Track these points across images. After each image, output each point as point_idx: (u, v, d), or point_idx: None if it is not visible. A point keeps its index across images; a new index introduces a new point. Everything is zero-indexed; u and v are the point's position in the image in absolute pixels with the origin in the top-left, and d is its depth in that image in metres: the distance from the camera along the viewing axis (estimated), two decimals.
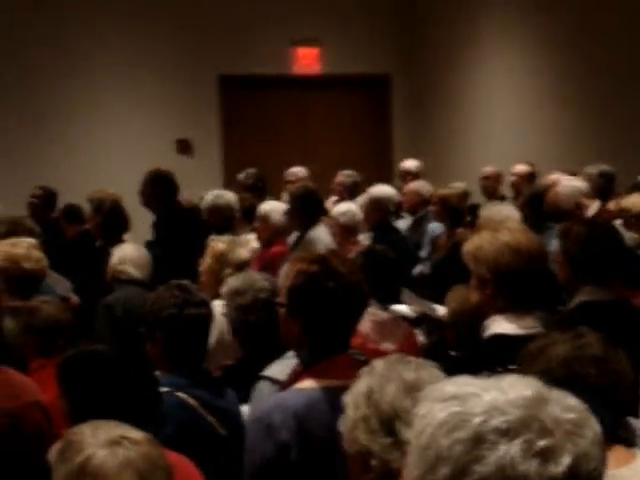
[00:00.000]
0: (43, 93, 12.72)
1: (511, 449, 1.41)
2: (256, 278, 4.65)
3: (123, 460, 2.00)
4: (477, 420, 1.44)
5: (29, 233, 6.01)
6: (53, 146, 12.80)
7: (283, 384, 3.24)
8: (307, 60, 13.72)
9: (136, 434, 2.08)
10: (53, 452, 2.06)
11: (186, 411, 3.60)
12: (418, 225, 9.11)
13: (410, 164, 10.94)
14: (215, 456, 3.50)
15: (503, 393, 1.48)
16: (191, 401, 3.63)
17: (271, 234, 7.69)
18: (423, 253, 8.57)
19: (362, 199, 8.72)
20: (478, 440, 1.43)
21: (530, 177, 9.98)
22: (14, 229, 6.13)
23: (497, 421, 1.43)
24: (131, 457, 2.01)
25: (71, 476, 1.98)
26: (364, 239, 7.88)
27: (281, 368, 3.53)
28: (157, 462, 2.05)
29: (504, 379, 1.52)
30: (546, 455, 1.42)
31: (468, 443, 1.43)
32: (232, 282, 4.64)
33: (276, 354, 3.81)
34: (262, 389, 3.64)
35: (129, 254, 6.26)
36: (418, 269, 8.15)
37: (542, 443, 1.42)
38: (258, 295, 4.50)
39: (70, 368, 2.95)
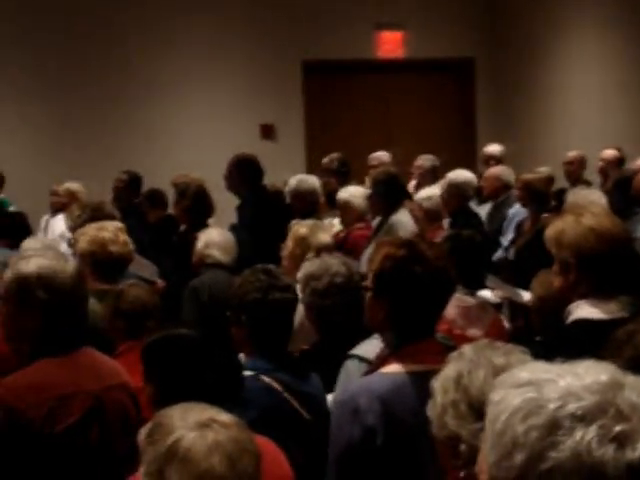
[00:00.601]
0: (129, 79, 12.84)
1: (587, 435, 1.40)
2: (332, 262, 4.63)
3: (212, 443, 2.00)
4: (552, 406, 1.43)
5: (109, 219, 6.06)
6: (138, 131, 12.92)
7: (371, 363, 3.24)
8: (391, 44, 13.66)
9: (225, 417, 2.08)
10: (142, 434, 2.06)
11: (271, 395, 3.61)
12: (498, 210, 9.01)
13: (493, 149, 10.83)
14: (299, 440, 3.51)
15: (578, 379, 1.47)
16: (276, 385, 3.64)
17: (353, 219, 7.70)
18: (505, 239, 8.48)
19: (441, 184, 8.67)
20: (553, 426, 1.42)
21: (618, 162, 9.83)
22: (94, 215, 6.18)
23: (573, 407, 1.42)
24: (220, 440, 2.01)
25: (160, 458, 1.99)
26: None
27: (370, 347, 3.52)
28: (246, 445, 2.05)
29: (579, 364, 1.51)
30: (622, 440, 1.40)
31: (543, 429, 1.42)
32: (308, 266, 4.63)
33: (352, 339, 3.82)
34: (350, 367, 3.65)
35: (215, 238, 6.31)
36: (498, 255, 8.08)
37: (618, 428, 1.40)
38: (334, 279, 4.49)
39: (154, 352, 2.96)
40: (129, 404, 3.51)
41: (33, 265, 3.46)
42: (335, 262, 4.64)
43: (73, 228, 6.29)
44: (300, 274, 4.59)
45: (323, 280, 4.47)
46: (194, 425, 2.02)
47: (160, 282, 6.80)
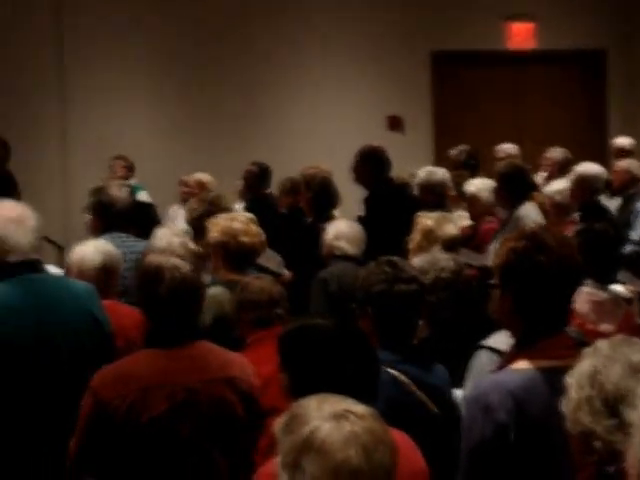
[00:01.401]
0: (260, 73, 12.95)
1: None
2: (439, 257, 4.60)
3: (348, 434, 2.00)
4: None
5: (225, 212, 6.10)
6: (267, 123, 13.02)
7: (502, 354, 3.20)
8: (521, 35, 13.47)
9: (360, 408, 2.08)
10: (278, 424, 2.07)
11: (397, 387, 3.60)
12: (627, 204, 8.82)
13: (623, 141, 10.60)
14: (427, 433, 3.48)
15: None
16: (402, 377, 3.62)
17: (480, 212, 7.62)
18: (635, 233, 8.29)
19: (570, 177, 8.52)
20: None
21: None
22: (211, 208, 6.23)
23: None
24: (356, 431, 2.01)
25: (296, 448, 2.00)
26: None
27: (502, 338, 3.49)
28: (382, 437, 2.04)
29: None
30: None
31: None
32: (416, 261, 4.61)
33: (462, 334, 3.78)
34: (481, 358, 3.62)
35: (344, 230, 6.31)
36: (627, 249, 7.89)
37: None
38: (440, 275, 4.46)
39: (290, 342, 2.96)
40: (232, 398, 3.51)
41: (154, 259, 3.55)
42: (443, 257, 4.61)
43: (189, 221, 6.36)
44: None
45: (430, 275, 4.44)
46: (330, 416, 2.02)
47: (287, 274, 6.84)
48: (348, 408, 2.05)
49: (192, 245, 5.39)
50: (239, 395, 3.51)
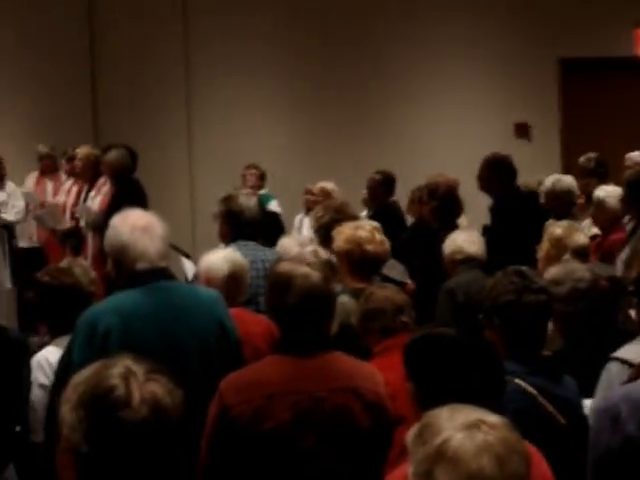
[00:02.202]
0: (383, 80, 12.96)
1: None
2: (576, 267, 4.52)
3: (481, 443, 1.98)
4: None
5: (351, 219, 6.10)
6: (392, 131, 13.02)
7: (632, 366, 3.14)
8: None
9: (494, 418, 2.06)
10: (410, 435, 2.06)
11: (525, 398, 3.56)
12: None
13: None
14: (554, 445, 3.42)
15: None
16: (530, 389, 3.57)
17: (608, 221, 7.48)
18: None
19: None
20: None
21: None
22: (337, 216, 6.24)
23: None
24: (489, 441, 1.99)
25: (428, 459, 1.99)
26: None
27: (633, 349, 3.42)
28: (515, 447, 2.02)
29: None
30: None
31: None
32: (552, 271, 4.53)
33: (599, 345, 3.71)
34: (612, 370, 3.56)
35: (466, 239, 6.27)
36: None
37: None
38: (577, 285, 4.38)
39: (416, 351, 2.95)
40: (357, 408, 3.48)
41: (285, 267, 3.57)
42: (580, 267, 4.53)
43: (315, 229, 6.38)
44: (544, 278, 4.50)
45: (565, 285, 4.37)
46: (462, 426, 2.00)
47: (410, 283, 6.81)
48: (481, 418, 2.03)
49: (324, 253, 5.40)
50: (364, 405, 3.49)
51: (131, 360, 2.10)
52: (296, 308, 3.48)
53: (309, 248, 5.37)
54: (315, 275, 3.52)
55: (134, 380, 2.04)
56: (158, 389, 2.05)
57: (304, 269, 3.53)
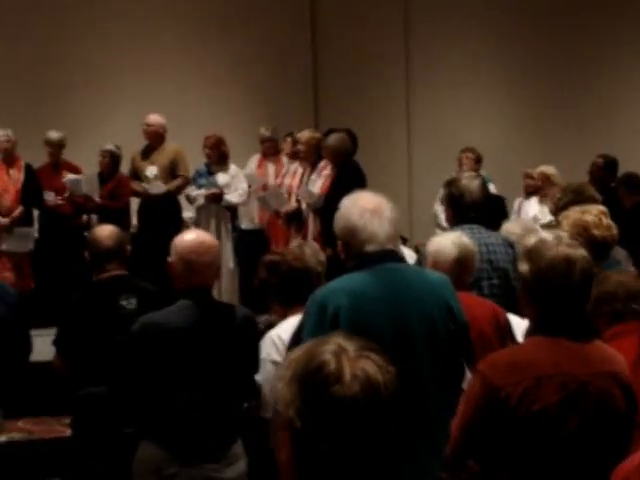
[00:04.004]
0: (600, 63, 12.68)
1: None
2: None
3: None
4: None
5: (591, 201, 6.00)
6: (611, 115, 12.72)
7: None
8: None
9: None
10: None
11: None
12: None
13: None
14: None
15: None
16: None
17: None
18: None
19: None
20: None
21: None
22: (576, 198, 6.15)
23: None
24: None
25: None
26: None
27: None
28: None
29: None
30: None
31: None
32: None
33: None
34: None
35: None
36: None
37: None
38: None
39: None
40: (617, 393, 3.43)
41: (532, 240, 3.55)
42: None
43: (554, 211, 6.30)
44: None
45: None
46: None
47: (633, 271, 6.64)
48: None
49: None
50: (623, 390, 3.45)
51: (343, 338, 2.12)
52: (576, 291, 3.45)
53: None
54: (590, 258, 3.50)
55: (345, 357, 2.06)
56: (369, 366, 2.06)
57: (582, 251, 3.49)
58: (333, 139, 9.62)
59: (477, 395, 3.39)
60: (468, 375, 3.91)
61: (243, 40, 13.22)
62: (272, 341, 4.57)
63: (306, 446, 2.02)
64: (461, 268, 4.94)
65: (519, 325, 4.86)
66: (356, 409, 1.99)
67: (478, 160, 11.20)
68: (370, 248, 3.91)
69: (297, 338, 3.89)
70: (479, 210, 6.01)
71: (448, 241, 5.00)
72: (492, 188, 10.98)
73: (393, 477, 2.14)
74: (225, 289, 10.46)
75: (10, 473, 4.93)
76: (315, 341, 2.13)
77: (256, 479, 4.56)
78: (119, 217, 9.82)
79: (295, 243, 5.05)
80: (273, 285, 4.84)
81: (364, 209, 3.95)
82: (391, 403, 2.04)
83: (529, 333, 3.67)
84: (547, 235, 3.57)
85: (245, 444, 4.59)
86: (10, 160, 10.58)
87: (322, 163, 9.93)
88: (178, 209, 10.93)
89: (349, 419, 1.99)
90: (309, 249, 4.84)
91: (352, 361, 2.04)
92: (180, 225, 10.48)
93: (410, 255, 6.73)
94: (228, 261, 10.71)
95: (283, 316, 4.73)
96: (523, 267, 3.52)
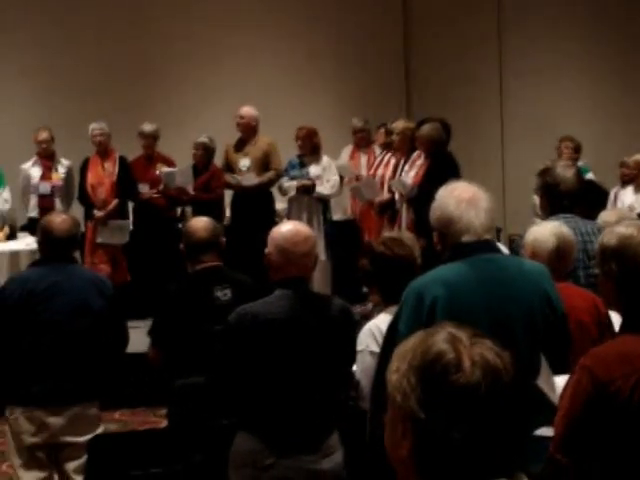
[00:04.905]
0: None
1: None
2: None
3: None
4: None
5: None
6: None
7: None
8: None
9: None
10: None
11: None
12: None
13: None
14: None
15: None
16: None
17: None
18: None
19: None
20: None
21: None
22: None
23: None
24: None
25: None
26: None
27: None
28: None
29: None
30: None
31: None
32: None
33: None
34: None
35: None
36: None
37: None
38: None
39: None
40: None
41: (614, 236, 3.47)
42: None
43: None
44: None
45: None
46: None
47: None
48: None
49: None
50: None
51: (452, 327, 2.10)
52: (628, 277, 3.39)
53: None
54: None
55: (460, 344, 2.04)
56: (486, 352, 2.03)
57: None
58: (427, 129, 9.58)
59: (584, 391, 3.33)
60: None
61: (337, 32, 13.23)
62: (371, 332, 4.55)
63: (434, 437, 1.99)
64: (560, 258, 4.88)
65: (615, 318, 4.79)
66: (481, 395, 1.96)
67: (577, 149, 11.06)
68: (466, 238, 3.88)
69: (393, 328, 3.87)
70: (574, 199, 5.93)
71: (547, 231, 4.95)
72: (590, 177, 10.83)
73: (521, 461, 2.11)
74: (317, 281, 10.47)
75: (106, 464, 4.99)
76: (425, 332, 2.10)
77: (353, 470, 4.54)
78: (213, 209, 9.89)
79: (395, 233, 5.02)
80: (374, 273, 4.81)
81: (460, 199, 3.91)
82: (513, 387, 2.02)
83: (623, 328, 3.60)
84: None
85: (342, 436, 4.58)
86: (105, 153, 10.72)
87: (415, 153, 9.89)
88: (271, 201, 10.97)
89: (476, 406, 1.95)
90: (409, 239, 4.82)
91: (468, 349, 2.02)
92: (273, 217, 10.53)
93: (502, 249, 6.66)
94: (320, 253, 10.70)
95: (385, 306, 4.70)
96: (612, 264, 3.47)
